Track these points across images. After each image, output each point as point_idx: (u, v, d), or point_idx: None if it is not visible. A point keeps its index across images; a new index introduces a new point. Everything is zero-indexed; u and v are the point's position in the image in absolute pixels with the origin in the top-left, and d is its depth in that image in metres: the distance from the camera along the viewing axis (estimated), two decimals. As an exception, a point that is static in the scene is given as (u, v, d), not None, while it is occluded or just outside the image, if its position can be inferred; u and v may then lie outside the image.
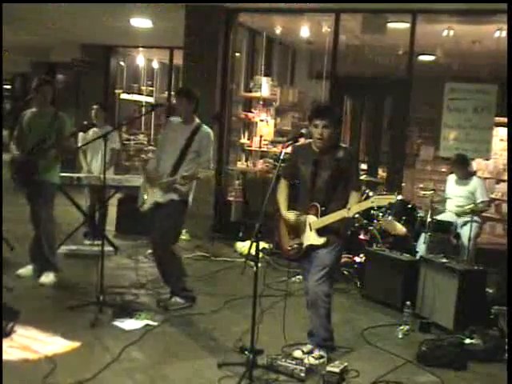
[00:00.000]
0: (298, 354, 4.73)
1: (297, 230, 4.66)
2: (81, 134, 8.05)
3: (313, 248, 4.61)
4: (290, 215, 4.68)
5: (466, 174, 7.42)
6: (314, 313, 4.72)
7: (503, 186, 10.11)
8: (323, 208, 4.51)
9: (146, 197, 5.82)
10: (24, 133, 6.29)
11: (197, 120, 5.79)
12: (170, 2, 9.20)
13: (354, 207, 4.42)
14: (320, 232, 4.54)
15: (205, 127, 5.76)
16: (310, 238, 4.59)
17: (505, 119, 8.66)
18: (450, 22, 9.02)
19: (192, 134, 5.67)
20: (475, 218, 7.00)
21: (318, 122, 4.52)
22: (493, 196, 10.16)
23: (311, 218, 4.57)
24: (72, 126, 6.47)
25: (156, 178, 5.71)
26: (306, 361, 4.58)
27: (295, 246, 4.68)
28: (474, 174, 7.83)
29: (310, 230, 4.58)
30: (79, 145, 7.87)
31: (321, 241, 4.54)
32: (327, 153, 4.58)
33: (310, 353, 4.73)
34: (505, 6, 6.58)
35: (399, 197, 7.41)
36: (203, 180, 5.71)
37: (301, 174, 4.70)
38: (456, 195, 7.38)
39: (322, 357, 4.70)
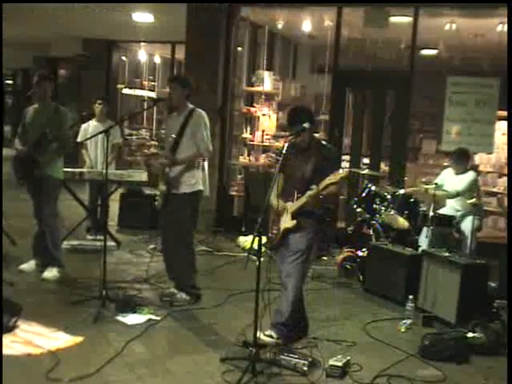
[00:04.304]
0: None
1: (279, 218, 4.90)
2: (82, 128, 8.05)
3: (288, 232, 4.83)
4: (274, 202, 4.87)
5: (464, 169, 7.34)
6: (283, 295, 4.83)
7: (505, 180, 10.08)
8: (299, 195, 4.76)
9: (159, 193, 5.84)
10: (26, 128, 6.31)
11: (190, 106, 5.79)
12: (172, 2, 9.23)
13: (320, 184, 4.59)
14: (294, 216, 4.79)
15: (197, 110, 5.77)
16: (285, 221, 4.84)
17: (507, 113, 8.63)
18: (452, 16, 9.00)
19: (186, 120, 5.69)
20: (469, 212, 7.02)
21: (288, 130, 4.95)
22: (495, 190, 10.16)
23: (289, 204, 4.84)
24: (73, 120, 6.48)
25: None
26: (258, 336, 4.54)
27: (275, 231, 4.90)
28: (475, 168, 7.77)
29: (287, 214, 4.83)
30: (79, 139, 7.89)
31: (292, 223, 4.79)
32: (309, 149, 4.87)
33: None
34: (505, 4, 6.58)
35: (401, 191, 7.40)
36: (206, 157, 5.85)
37: (288, 167, 4.88)
38: (453, 189, 7.32)
39: (271, 337, 4.75)
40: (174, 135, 5.70)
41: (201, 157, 5.78)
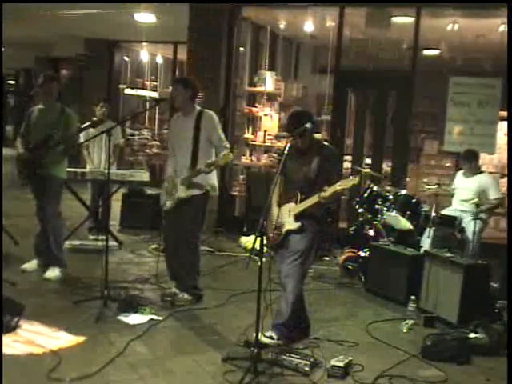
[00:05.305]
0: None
1: (280, 219, 4.88)
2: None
3: (290, 233, 4.82)
4: (275, 210, 4.90)
5: (474, 170, 7.33)
6: (283, 296, 4.82)
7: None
8: (303, 196, 4.76)
9: (168, 197, 5.78)
10: (31, 129, 6.31)
11: (197, 107, 5.75)
12: (174, 2, 9.24)
13: (328, 190, 4.55)
14: (297, 218, 4.78)
15: (206, 111, 5.72)
16: (288, 223, 4.82)
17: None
18: (454, 16, 9.00)
19: (197, 123, 5.64)
20: (482, 214, 6.98)
21: (287, 134, 4.89)
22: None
23: (291, 205, 4.83)
24: (78, 122, 6.49)
25: (176, 182, 5.70)
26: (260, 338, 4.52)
27: (276, 232, 4.88)
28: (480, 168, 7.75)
29: (289, 215, 4.82)
30: (81, 140, 7.90)
31: (296, 225, 4.78)
32: (310, 150, 4.86)
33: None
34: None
35: (403, 191, 7.39)
36: (225, 164, 5.84)
37: (288, 169, 4.86)
38: (462, 189, 7.31)
39: (271, 338, 4.74)
40: (189, 140, 5.61)
41: (230, 156, 5.74)
